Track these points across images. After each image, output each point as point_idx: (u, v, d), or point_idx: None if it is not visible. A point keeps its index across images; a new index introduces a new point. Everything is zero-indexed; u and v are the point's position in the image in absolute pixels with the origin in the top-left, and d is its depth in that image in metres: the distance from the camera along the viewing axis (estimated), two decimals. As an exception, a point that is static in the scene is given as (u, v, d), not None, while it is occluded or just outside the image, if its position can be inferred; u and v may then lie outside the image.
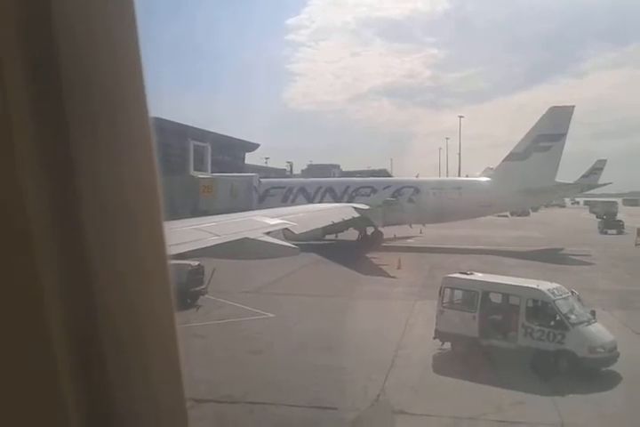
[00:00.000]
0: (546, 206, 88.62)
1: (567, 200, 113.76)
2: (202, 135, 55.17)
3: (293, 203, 42.40)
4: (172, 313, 1.48)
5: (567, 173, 53.74)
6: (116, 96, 1.34)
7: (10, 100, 1.16)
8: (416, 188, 45.74)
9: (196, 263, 22.01)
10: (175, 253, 8.49)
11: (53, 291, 1.23)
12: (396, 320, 20.23)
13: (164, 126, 46.25)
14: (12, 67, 1.16)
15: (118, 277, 1.36)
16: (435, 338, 16.97)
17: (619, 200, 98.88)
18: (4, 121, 1.16)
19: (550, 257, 36.34)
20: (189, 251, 9.15)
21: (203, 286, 22.73)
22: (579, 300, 16.89)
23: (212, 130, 69.80)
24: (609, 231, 56.32)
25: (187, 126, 57.06)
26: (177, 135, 45.92)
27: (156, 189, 1.42)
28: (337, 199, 44.22)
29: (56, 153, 1.24)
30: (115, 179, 1.35)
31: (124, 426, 1.38)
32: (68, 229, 1.27)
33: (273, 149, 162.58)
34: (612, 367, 14.80)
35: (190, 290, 21.66)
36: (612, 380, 14.40)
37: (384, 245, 44.09)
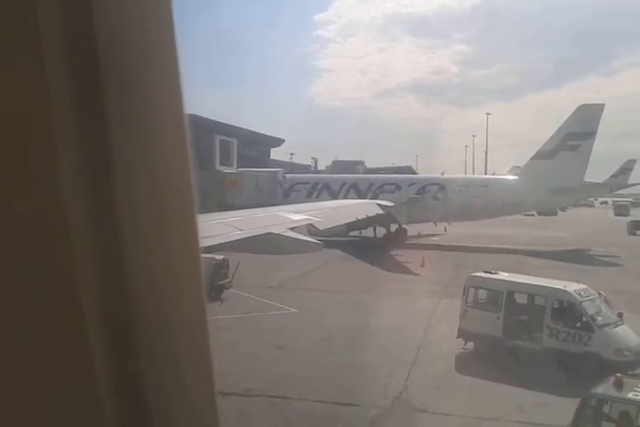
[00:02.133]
0: (574, 206, 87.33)
1: (595, 200, 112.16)
2: (228, 130, 55.44)
3: (317, 199, 42.38)
4: (204, 306, 1.49)
5: (596, 172, 52.87)
6: (152, 92, 1.36)
7: (51, 96, 1.18)
8: (441, 185, 45.38)
9: (221, 257, 22.17)
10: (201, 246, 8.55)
11: (88, 282, 1.25)
12: (419, 318, 20.16)
13: (192, 121, 46.30)
14: (53, 64, 1.18)
15: (151, 270, 1.38)
16: (458, 337, 16.86)
17: None
18: (44, 114, 1.18)
19: (577, 258, 35.82)
20: (214, 245, 9.20)
21: (227, 280, 22.91)
22: (606, 302, 16.66)
23: (238, 125, 70.19)
24: (638, 232, 55.28)
25: (213, 121, 57.35)
26: (204, 130, 46.17)
27: (189, 184, 1.44)
28: (361, 196, 44.08)
29: (93, 147, 1.26)
30: (149, 173, 1.37)
31: (155, 416, 1.40)
32: (102, 221, 1.29)
33: (298, 145, 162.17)
34: (638, 370, 14.55)
35: (215, 284, 21.83)
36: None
37: (408, 242, 43.85)
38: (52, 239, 1.21)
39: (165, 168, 1.40)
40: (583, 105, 43.78)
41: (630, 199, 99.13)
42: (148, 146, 1.37)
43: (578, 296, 15.69)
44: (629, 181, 55.47)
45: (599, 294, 16.63)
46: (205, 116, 53.30)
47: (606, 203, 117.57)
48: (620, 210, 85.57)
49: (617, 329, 15.41)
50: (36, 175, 1.19)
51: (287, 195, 45.92)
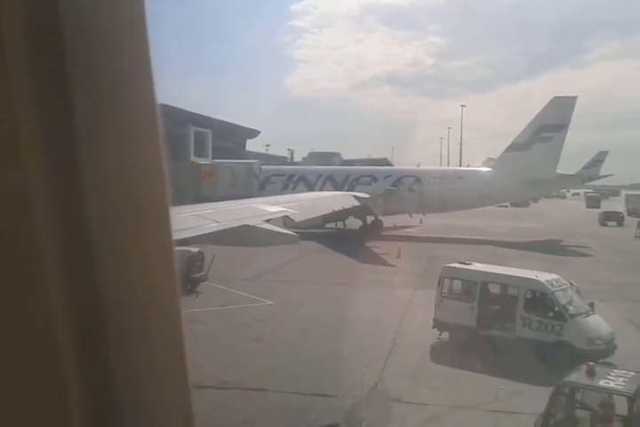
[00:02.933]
0: (546, 197, 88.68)
1: (567, 192, 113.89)
2: (203, 121, 54.94)
3: (294, 191, 42.34)
4: (177, 301, 1.45)
5: (568, 164, 53.51)
6: (122, 81, 1.31)
7: (12, 87, 1.13)
8: (417, 177, 45.64)
9: (196, 250, 22.02)
10: (175, 239, 8.48)
11: (56, 278, 1.21)
12: (394, 309, 20.30)
13: (165, 111, 45.57)
14: (14, 53, 1.13)
15: (123, 264, 1.34)
16: (433, 327, 17.02)
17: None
18: (6, 107, 1.13)
19: (549, 248, 36.40)
20: (189, 237, 9.12)
21: (202, 273, 22.78)
22: (577, 291, 16.94)
23: (213, 116, 69.59)
24: (609, 223, 56.35)
25: (188, 112, 56.71)
26: (178, 121, 45.62)
27: (162, 176, 1.40)
28: (337, 188, 44.12)
29: (60, 139, 1.22)
30: (120, 165, 1.33)
31: (126, 414, 1.36)
32: (71, 214, 1.24)
33: (274, 137, 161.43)
34: (609, 359, 14.85)
35: (190, 276, 21.70)
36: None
37: (384, 233, 44.13)
38: (15, 232, 1.16)
39: (137, 160, 1.35)
40: (556, 97, 44.29)
41: (591, 190, 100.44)
42: (119, 137, 1.32)
43: (550, 286, 15.92)
44: (601, 173, 56.27)
45: (571, 283, 16.90)
46: (179, 107, 52.74)
47: (578, 194, 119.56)
48: (592, 202, 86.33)
49: (588, 318, 15.70)
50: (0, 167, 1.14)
51: (263, 187, 45.74)
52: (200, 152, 45.69)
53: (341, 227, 44.77)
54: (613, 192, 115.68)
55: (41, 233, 1.18)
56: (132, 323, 1.36)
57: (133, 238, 1.36)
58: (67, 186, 1.23)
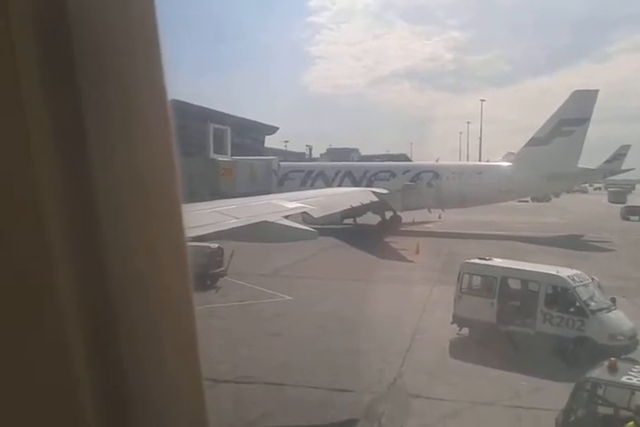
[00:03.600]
0: (567, 192, 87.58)
1: (589, 186, 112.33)
2: (222, 118, 55.08)
3: (312, 187, 42.31)
4: (191, 299, 1.45)
5: (590, 158, 52.85)
6: (132, 77, 1.31)
7: (23, 86, 1.14)
8: (435, 172, 45.37)
9: (216, 246, 22.18)
10: (195, 235, 8.55)
11: (68, 277, 1.22)
12: (414, 305, 20.25)
13: (185, 109, 46.24)
14: (25, 53, 1.14)
15: (134, 263, 1.34)
16: (452, 323, 16.96)
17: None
18: (17, 105, 1.14)
19: (571, 243, 35.99)
20: (209, 233, 9.19)
21: (222, 268, 22.94)
22: (599, 287, 16.75)
23: (231, 113, 69.76)
24: (631, 218, 55.53)
25: (207, 109, 57.02)
26: (197, 118, 45.88)
27: (174, 172, 1.39)
28: (355, 183, 44.08)
29: (71, 137, 1.22)
30: (131, 163, 1.33)
31: (139, 414, 1.37)
32: (82, 213, 1.25)
33: (292, 133, 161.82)
34: (631, 355, 14.68)
35: (210, 272, 21.87)
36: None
37: (402, 229, 43.94)
38: (26, 231, 1.17)
39: (148, 157, 1.35)
40: (577, 91, 43.70)
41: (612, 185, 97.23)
42: (130, 135, 1.32)
43: (571, 281, 15.77)
44: (623, 167, 55.40)
45: (592, 279, 16.72)
46: (198, 104, 52.98)
47: (600, 189, 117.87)
48: (616, 197, 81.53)
49: (610, 314, 15.52)
50: (12, 166, 1.15)
51: (282, 183, 45.86)
52: (219, 149, 45.93)
53: (360, 223, 44.68)
54: (631, 186, 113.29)
55: (52, 232, 1.19)
56: (144, 323, 1.36)
57: (145, 236, 1.36)
58: (78, 184, 1.24)
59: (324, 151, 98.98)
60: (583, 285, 15.95)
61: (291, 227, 11.12)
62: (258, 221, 10.51)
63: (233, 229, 9.72)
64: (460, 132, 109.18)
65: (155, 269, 1.38)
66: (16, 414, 1.23)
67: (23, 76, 1.14)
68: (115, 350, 1.32)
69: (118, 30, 1.28)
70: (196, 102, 50.38)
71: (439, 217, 47.40)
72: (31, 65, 1.15)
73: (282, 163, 50.25)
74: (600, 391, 10.69)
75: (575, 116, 42.69)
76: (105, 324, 1.30)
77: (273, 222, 10.77)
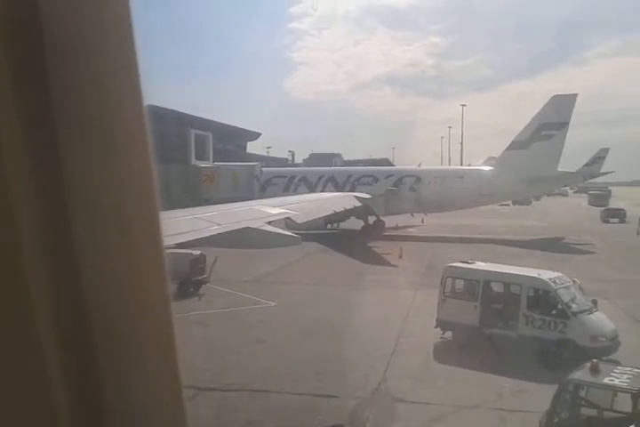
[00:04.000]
0: (548, 195, 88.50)
1: (569, 189, 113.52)
2: (203, 124, 55.02)
3: (295, 192, 42.30)
4: (168, 302, 1.44)
5: (569, 161, 53.37)
6: (107, 80, 1.29)
7: None
8: (418, 177, 45.61)
9: (198, 253, 22.06)
10: (177, 242, 8.50)
11: (43, 285, 1.19)
12: (397, 309, 20.28)
13: (165, 115, 46.06)
14: None
15: (111, 271, 1.33)
16: (436, 327, 17.01)
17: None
18: None
19: (551, 246, 36.34)
20: (191, 240, 9.14)
21: (205, 275, 22.82)
22: (580, 289, 16.91)
23: (213, 119, 69.66)
24: (611, 220, 56.22)
25: (188, 115, 56.87)
26: (178, 124, 45.70)
27: (151, 179, 1.37)
28: (339, 188, 44.13)
29: (45, 141, 1.20)
30: (107, 169, 1.31)
31: (117, 415, 1.35)
32: (57, 220, 1.23)
33: (274, 139, 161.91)
34: (613, 356, 14.83)
35: (192, 279, 21.78)
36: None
37: (386, 234, 44.10)
38: (1, 233, 1.15)
39: (125, 163, 1.33)
40: (556, 95, 44.24)
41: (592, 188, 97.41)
42: (106, 140, 1.30)
43: (552, 284, 15.90)
44: (602, 170, 56.06)
45: (573, 281, 16.88)
46: (179, 110, 52.84)
47: (579, 192, 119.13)
48: (597, 200, 78.64)
49: (592, 316, 15.67)
50: None
51: (264, 189, 45.78)
52: (201, 155, 45.77)
53: (343, 228, 44.75)
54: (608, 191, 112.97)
55: (23, 240, 1.17)
56: (122, 323, 1.35)
57: (121, 239, 1.35)
58: (51, 187, 1.21)
59: (306, 157, 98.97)
60: (565, 287, 16.10)
61: (274, 233, 11.08)
62: (240, 227, 10.46)
63: (215, 235, 9.67)
64: (442, 137, 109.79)
65: (131, 269, 1.37)
66: None
67: None
68: (93, 360, 1.30)
69: (92, 31, 1.26)
70: (177, 108, 50.27)
71: (422, 221, 47.64)
72: (2, 66, 1.13)
73: (264, 169, 50.20)
74: (583, 393, 10.77)
75: (554, 120, 43.20)
76: (80, 324, 1.28)
77: (256, 228, 10.73)
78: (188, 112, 58.00)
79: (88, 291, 1.28)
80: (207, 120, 64.14)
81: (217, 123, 69.02)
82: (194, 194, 38.79)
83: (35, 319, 1.20)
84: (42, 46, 1.18)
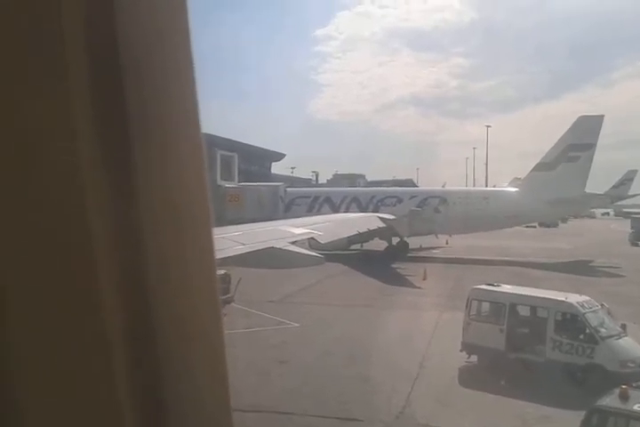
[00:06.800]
0: (575, 217, 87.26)
1: (597, 211, 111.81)
2: (229, 145, 55.59)
3: (319, 212, 42.43)
4: (220, 319, 1.54)
5: (597, 183, 52.85)
6: (170, 104, 1.40)
7: (74, 105, 1.20)
8: (442, 198, 45.42)
9: (223, 272, 22.12)
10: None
11: (109, 292, 1.27)
12: (422, 332, 20.07)
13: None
14: (76, 77, 1.20)
15: (169, 283, 1.40)
16: (461, 350, 16.79)
17: None
18: (67, 124, 1.20)
19: (579, 269, 35.77)
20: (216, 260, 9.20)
21: (229, 295, 22.83)
22: (609, 313, 16.60)
23: (239, 140, 70.45)
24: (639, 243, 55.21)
25: (214, 136, 57.45)
26: (205, 145, 46.28)
27: (205, 197, 1.47)
28: (362, 209, 44.15)
29: (115, 161, 1.28)
30: (166, 186, 1.40)
31: (170, 412, 1.42)
32: (123, 235, 1.31)
33: (299, 159, 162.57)
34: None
35: (217, 299, 21.79)
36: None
37: (410, 255, 43.83)
38: (72, 249, 1.23)
39: (182, 181, 1.43)
40: (583, 116, 43.95)
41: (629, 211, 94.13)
42: (166, 160, 1.39)
43: (580, 308, 15.65)
44: (630, 192, 55.31)
45: (602, 305, 16.58)
46: (206, 132, 53.44)
47: (608, 214, 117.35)
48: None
49: (620, 341, 15.35)
50: (56, 185, 1.20)
51: (288, 209, 45.99)
52: (226, 176, 46.22)
53: (367, 248, 44.61)
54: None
55: (95, 251, 1.24)
56: (177, 338, 1.43)
57: (180, 259, 1.43)
58: (119, 207, 1.29)
59: (330, 177, 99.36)
60: (593, 311, 15.82)
61: (297, 253, 11.11)
62: (264, 247, 10.52)
63: (240, 255, 9.73)
64: (467, 158, 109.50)
65: (188, 287, 1.45)
66: (55, 410, 1.27)
67: (75, 99, 1.20)
68: (152, 365, 1.37)
69: (158, 57, 1.36)
70: (203, 129, 50.89)
71: (446, 242, 47.29)
72: (82, 85, 1.21)
73: (288, 189, 50.49)
74: (611, 420, 10.52)
75: (581, 141, 42.86)
76: (143, 336, 1.35)
77: (280, 248, 10.77)
78: (213, 133, 58.74)
79: (150, 303, 1.36)
80: (233, 141, 64.84)
81: (242, 144, 69.82)
82: (219, 214, 39.10)
83: (103, 316, 1.27)
84: (118, 68, 1.27)
